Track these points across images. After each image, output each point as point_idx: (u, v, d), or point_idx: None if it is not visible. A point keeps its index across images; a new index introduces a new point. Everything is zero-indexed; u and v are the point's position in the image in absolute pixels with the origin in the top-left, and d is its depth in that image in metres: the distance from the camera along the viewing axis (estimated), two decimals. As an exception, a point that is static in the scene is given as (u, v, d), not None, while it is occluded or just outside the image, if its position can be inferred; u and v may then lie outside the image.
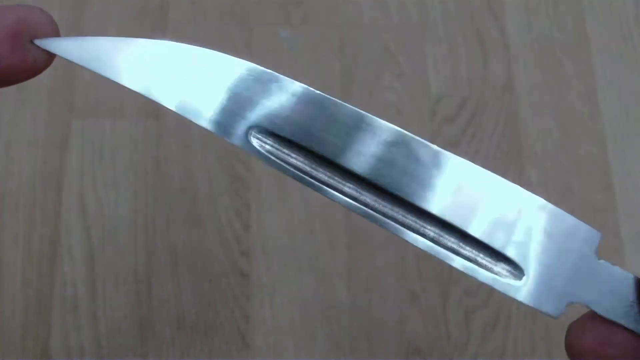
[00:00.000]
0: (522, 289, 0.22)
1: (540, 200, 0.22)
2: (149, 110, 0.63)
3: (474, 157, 0.63)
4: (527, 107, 0.65)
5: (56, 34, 0.22)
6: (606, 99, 0.66)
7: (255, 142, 0.22)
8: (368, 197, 0.22)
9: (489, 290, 0.59)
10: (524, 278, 0.22)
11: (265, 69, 0.23)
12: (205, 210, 0.60)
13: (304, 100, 0.22)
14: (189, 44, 0.69)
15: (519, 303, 0.22)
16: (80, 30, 0.66)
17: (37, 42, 0.22)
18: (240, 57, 0.73)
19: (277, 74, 0.23)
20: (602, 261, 0.22)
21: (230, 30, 0.66)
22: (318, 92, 0.22)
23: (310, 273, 0.59)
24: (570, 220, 0.22)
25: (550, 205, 0.22)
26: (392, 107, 0.64)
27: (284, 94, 0.22)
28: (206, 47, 0.70)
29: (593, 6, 0.69)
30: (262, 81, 0.22)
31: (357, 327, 0.57)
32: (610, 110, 0.65)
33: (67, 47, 0.22)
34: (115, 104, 0.63)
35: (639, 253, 0.61)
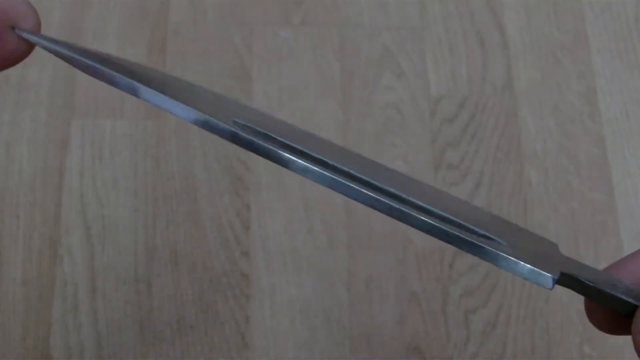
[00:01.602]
0: (514, 255, 0.21)
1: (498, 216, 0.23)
2: (149, 110, 0.63)
3: (473, 157, 0.63)
4: (527, 107, 0.65)
5: (37, 22, 0.22)
6: (606, 99, 0.66)
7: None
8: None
9: (489, 290, 0.59)
10: (511, 251, 0.21)
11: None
12: (205, 210, 0.60)
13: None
14: (189, 44, 0.68)
15: (515, 268, 0.21)
16: (80, 30, 0.66)
17: (19, 32, 0.22)
18: (240, 57, 0.73)
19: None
20: (568, 257, 0.22)
21: (230, 30, 0.66)
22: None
23: (310, 273, 0.59)
24: (528, 230, 0.23)
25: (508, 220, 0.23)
26: (392, 107, 0.64)
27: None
28: (206, 47, 0.70)
29: (593, 6, 0.69)
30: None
31: (357, 327, 0.57)
32: (610, 110, 0.65)
33: (47, 39, 0.22)
34: (115, 103, 0.63)
35: (638, 253, 0.61)
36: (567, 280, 0.21)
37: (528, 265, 0.20)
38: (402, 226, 0.66)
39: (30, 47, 0.22)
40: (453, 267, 0.60)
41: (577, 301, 0.59)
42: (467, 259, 0.60)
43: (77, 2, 0.67)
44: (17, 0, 0.21)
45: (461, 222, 0.22)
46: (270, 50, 0.66)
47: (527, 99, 0.65)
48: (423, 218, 0.21)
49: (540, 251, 0.22)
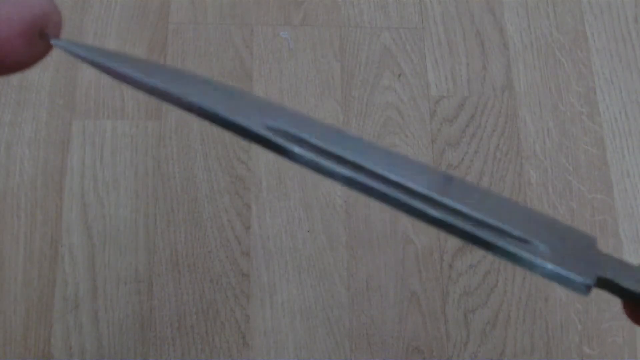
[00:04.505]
0: (551, 261, 0.21)
1: (536, 210, 0.23)
2: (150, 110, 0.63)
3: (473, 157, 0.63)
4: (527, 107, 0.65)
5: (60, 23, 0.22)
6: (605, 99, 0.66)
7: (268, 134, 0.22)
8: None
9: (489, 290, 0.59)
10: (549, 255, 0.21)
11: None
12: (205, 211, 0.60)
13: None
14: (189, 44, 0.69)
15: (551, 275, 0.21)
16: (80, 30, 0.66)
17: (51, 40, 0.22)
18: (240, 57, 0.73)
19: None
20: (607, 253, 0.22)
21: (230, 30, 0.66)
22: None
23: (310, 273, 0.59)
24: (567, 225, 0.22)
25: (546, 213, 0.22)
26: (392, 107, 0.64)
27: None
28: (206, 47, 0.70)
29: (592, 7, 0.69)
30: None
31: (357, 327, 0.58)
32: (609, 111, 0.65)
33: (77, 46, 0.22)
34: (116, 104, 0.63)
35: (637, 252, 0.61)
36: (603, 283, 0.21)
37: (562, 272, 0.20)
38: (402, 226, 0.66)
39: (50, 48, 0.22)
40: (453, 267, 0.60)
41: (576, 301, 0.59)
42: (467, 259, 0.60)
43: (78, 2, 0.67)
44: (50, 6, 0.21)
45: (499, 225, 0.22)
46: (270, 51, 0.66)
47: (527, 99, 0.66)
48: (460, 227, 0.21)
49: (577, 252, 0.22)
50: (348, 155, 0.22)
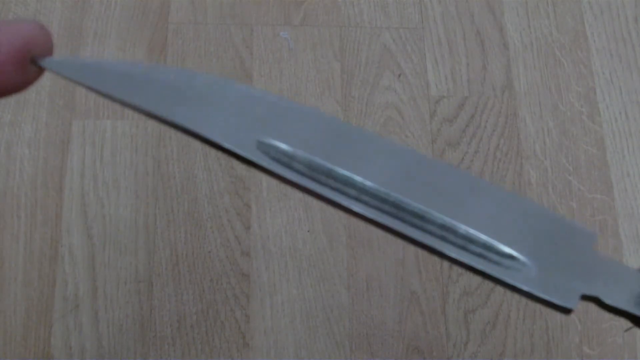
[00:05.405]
0: (534, 283, 0.21)
1: (538, 205, 0.23)
2: (150, 110, 0.63)
3: (473, 157, 0.63)
4: (526, 107, 0.65)
5: (51, 48, 0.22)
6: (605, 99, 0.66)
7: (262, 152, 0.22)
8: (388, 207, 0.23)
9: (489, 290, 0.59)
10: (534, 273, 0.22)
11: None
12: (205, 211, 0.60)
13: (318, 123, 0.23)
14: (189, 44, 0.69)
15: (533, 298, 0.21)
16: (80, 30, 0.66)
17: (42, 62, 0.22)
18: (240, 57, 0.72)
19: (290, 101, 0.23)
20: (603, 256, 0.22)
21: (230, 30, 0.66)
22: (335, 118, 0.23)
23: (310, 273, 0.59)
24: (566, 222, 0.23)
25: (547, 210, 0.23)
26: (392, 107, 0.64)
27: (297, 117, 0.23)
28: (206, 47, 0.70)
29: (592, 7, 0.69)
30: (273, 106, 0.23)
31: (357, 327, 0.58)
32: (609, 111, 0.65)
33: (69, 68, 0.23)
34: (116, 104, 0.63)
35: (637, 252, 0.61)
36: (589, 299, 0.21)
37: (544, 297, 0.21)
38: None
39: (43, 70, 0.23)
40: (453, 267, 0.60)
41: (576, 301, 0.59)
42: (467, 259, 0.60)
43: (78, 2, 0.67)
44: (40, 31, 0.21)
45: (487, 240, 0.22)
46: (270, 51, 0.66)
47: (527, 99, 0.66)
48: (442, 250, 0.22)
49: (569, 261, 0.22)
50: (338, 168, 0.23)
